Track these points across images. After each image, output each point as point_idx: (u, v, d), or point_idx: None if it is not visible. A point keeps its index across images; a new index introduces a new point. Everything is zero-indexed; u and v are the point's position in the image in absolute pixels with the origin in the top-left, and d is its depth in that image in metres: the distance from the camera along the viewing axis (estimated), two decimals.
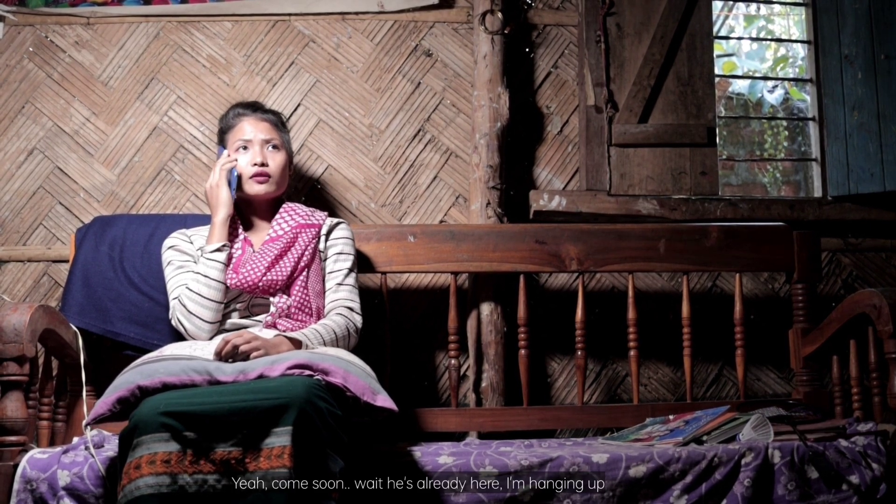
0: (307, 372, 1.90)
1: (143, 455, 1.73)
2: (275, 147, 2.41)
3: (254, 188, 2.36)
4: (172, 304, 2.29)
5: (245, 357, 2.00)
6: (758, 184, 4.31)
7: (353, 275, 2.39)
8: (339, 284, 2.36)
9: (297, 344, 2.10)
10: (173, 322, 2.28)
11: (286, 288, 2.28)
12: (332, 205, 2.91)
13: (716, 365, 3.00)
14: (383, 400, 1.95)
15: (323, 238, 2.41)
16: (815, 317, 2.66)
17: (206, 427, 1.75)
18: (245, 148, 2.38)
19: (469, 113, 2.96)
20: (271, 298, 2.27)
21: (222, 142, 2.45)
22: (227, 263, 2.27)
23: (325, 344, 2.17)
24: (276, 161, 2.39)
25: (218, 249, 2.27)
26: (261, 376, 1.90)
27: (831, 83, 3.11)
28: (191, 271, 2.31)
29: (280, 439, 1.74)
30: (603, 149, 2.96)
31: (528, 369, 2.64)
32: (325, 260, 2.40)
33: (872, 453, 2.12)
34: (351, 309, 2.33)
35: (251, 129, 2.40)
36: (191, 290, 2.24)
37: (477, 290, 2.82)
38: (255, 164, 2.35)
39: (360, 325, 2.31)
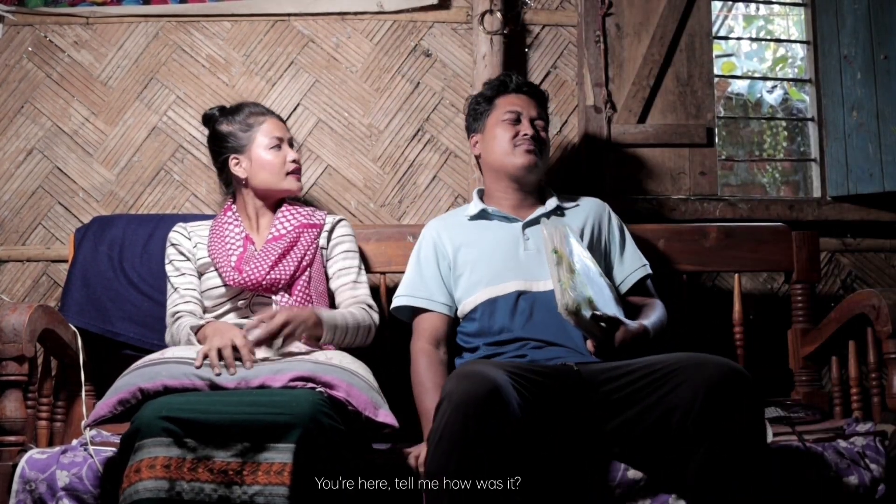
0: (310, 385, 1.90)
1: (144, 459, 1.73)
2: (298, 148, 2.53)
3: (293, 184, 2.42)
4: (168, 319, 2.32)
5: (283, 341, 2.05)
6: (757, 184, 4.32)
7: (363, 272, 2.43)
8: (356, 282, 2.38)
9: (319, 326, 2.15)
10: (167, 338, 2.31)
11: (288, 287, 2.29)
12: (331, 205, 2.91)
13: None
14: (384, 415, 1.95)
15: (325, 235, 2.42)
16: (815, 317, 2.66)
17: (206, 436, 1.75)
18: (278, 146, 2.41)
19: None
20: (273, 297, 2.27)
21: (236, 142, 2.41)
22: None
23: (346, 332, 2.21)
24: (300, 160, 2.47)
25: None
26: (263, 385, 1.90)
27: (830, 83, 3.11)
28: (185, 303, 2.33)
29: (281, 455, 1.73)
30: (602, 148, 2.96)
31: None
32: (330, 258, 2.41)
33: (871, 454, 2.12)
34: (371, 307, 2.34)
35: (280, 128, 2.45)
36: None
37: None
38: (294, 161, 2.42)
39: (378, 322, 2.34)
